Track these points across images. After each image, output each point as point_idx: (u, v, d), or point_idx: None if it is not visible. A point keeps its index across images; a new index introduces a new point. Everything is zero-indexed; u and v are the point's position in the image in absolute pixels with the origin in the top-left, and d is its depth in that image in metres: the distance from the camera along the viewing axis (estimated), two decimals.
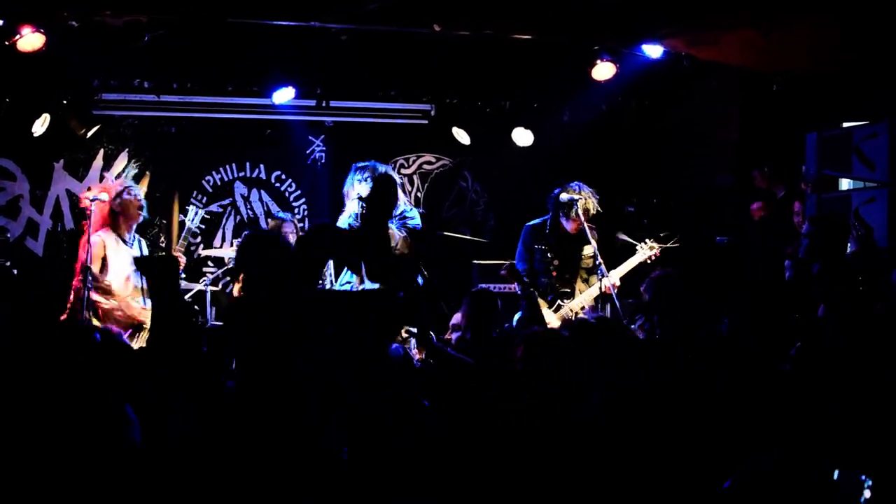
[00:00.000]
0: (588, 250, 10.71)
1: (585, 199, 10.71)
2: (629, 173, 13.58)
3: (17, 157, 13.07)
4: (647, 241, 10.85)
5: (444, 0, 10.90)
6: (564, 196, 10.70)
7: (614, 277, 10.55)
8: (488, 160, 14.11)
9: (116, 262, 10.79)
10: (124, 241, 10.89)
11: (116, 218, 10.91)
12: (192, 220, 11.30)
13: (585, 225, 10.55)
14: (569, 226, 10.74)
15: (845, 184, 11.05)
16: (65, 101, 12.59)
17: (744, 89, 12.52)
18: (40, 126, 12.25)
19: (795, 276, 9.30)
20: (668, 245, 10.91)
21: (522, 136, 13.47)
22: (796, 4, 10.25)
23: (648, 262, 10.79)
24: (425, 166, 14.51)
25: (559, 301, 10.66)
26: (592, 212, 10.77)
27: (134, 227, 11.02)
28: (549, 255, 10.72)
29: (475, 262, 13.04)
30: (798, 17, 10.36)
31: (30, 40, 10.66)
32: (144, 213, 11.10)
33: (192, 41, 11.72)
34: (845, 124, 10.99)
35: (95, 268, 10.70)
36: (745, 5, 10.50)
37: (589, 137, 13.51)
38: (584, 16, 11.26)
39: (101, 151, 13.17)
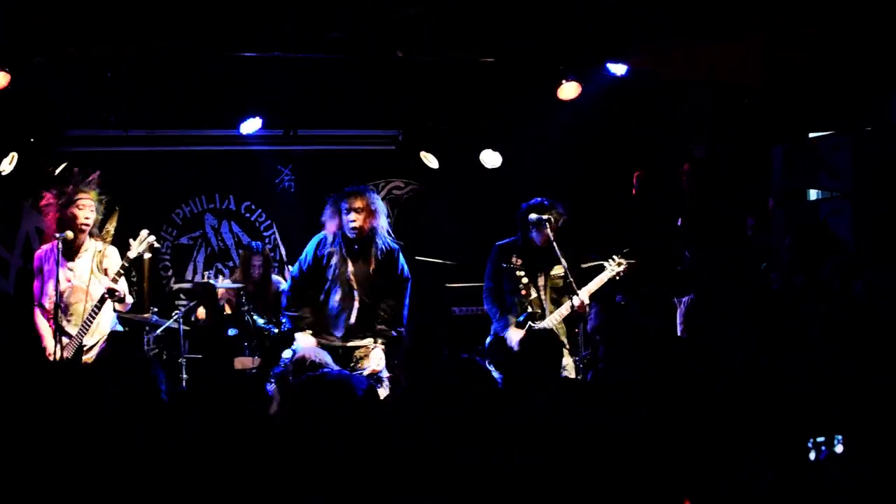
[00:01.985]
0: (558, 270, 10.66)
1: (554, 215, 10.69)
2: (600, 191, 13.58)
3: None
4: (614, 257, 10.82)
5: (406, 26, 10.91)
6: (533, 216, 10.68)
7: (584, 296, 10.51)
8: (457, 183, 14.09)
9: (51, 278, 10.16)
10: (69, 258, 10.13)
11: (59, 230, 10.16)
12: (138, 247, 10.14)
13: (555, 243, 10.53)
14: (538, 238, 10.69)
15: (813, 195, 11.11)
16: (32, 140, 12.56)
17: (714, 104, 12.53)
18: (8, 164, 12.20)
19: (782, 288, 9.36)
20: (634, 261, 10.89)
21: (491, 158, 13.47)
22: (762, 21, 10.31)
23: (617, 278, 10.78)
24: (395, 191, 14.53)
25: (529, 322, 10.61)
26: (558, 226, 10.74)
27: (81, 241, 10.23)
28: (518, 273, 10.67)
29: (448, 285, 13.06)
30: (765, 32, 10.43)
31: None
32: (87, 222, 10.19)
33: (158, 74, 11.72)
34: (811, 135, 11.06)
35: (38, 284, 10.23)
36: (709, 24, 10.55)
37: (558, 157, 13.52)
38: (547, 36, 11.30)
39: (73, 179, 13.16)
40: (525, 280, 10.61)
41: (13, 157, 12.21)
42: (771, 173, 10.95)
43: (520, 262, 10.63)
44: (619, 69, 11.87)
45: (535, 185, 11.75)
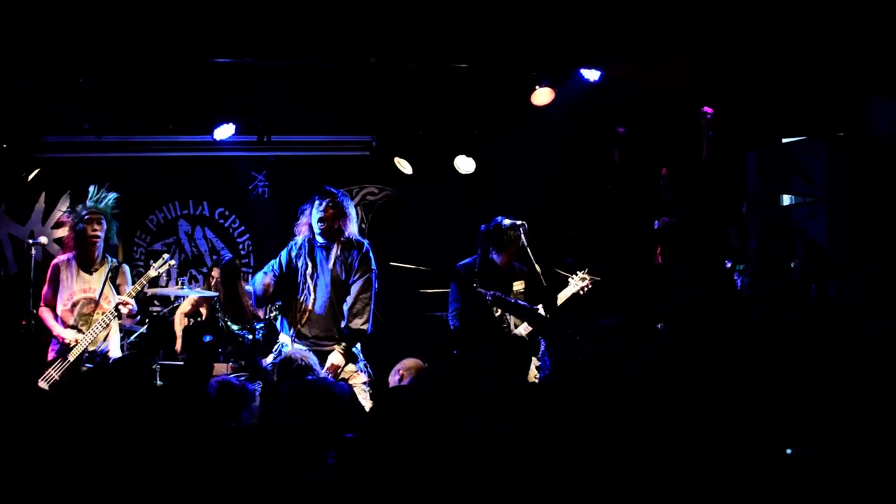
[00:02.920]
0: (518, 286, 10.68)
1: (515, 231, 10.71)
2: (573, 198, 13.58)
3: None
4: (578, 272, 10.86)
5: (380, 33, 10.92)
6: (507, 222, 10.68)
7: (542, 311, 10.52)
8: (431, 189, 14.09)
9: (67, 288, 10.61)
10: (85, 270, 10.67)
11: (76, 247, 10.70)
12: (159, 266, 10.96)
13: (528, 250, 10.54)
14: (499, 259, 10.70)
15: (786, 200, 11.14)
16: (4, 145, 12.53)
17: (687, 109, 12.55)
18: None
19: (750, 292, 9.39)
20: (597, 277, 10.92)
21: (465, 164, 13.47)
22: (733, 29, 10.35)
23: (581, 293, 10.81)
24: (368, 197, 14.52)
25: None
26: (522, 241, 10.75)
27: (95, 255, 10.69)
28: (481, 290, 10.65)
29: (422, 290, 13.05)
30: (736, 39, 10.47)
31: None
32: (101, 242, 10.72)
33: (132, 81, 11.70)
34: (784, 140, 11.09)
35: (49, 290, 10.64)
36: (681, 31, 10.58)
37: (532, 162, 13.51)
38: (521, 42, 11.32)
39: (43, 194, 13.12)
40: (488, 298, 10.62)
41: None
42: (745, 178, 10.98)
43: (481, 282, 10.62)
44: (592, 75, 11.90)
45: (509, 190, 11.75)
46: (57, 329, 10.45)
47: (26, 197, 12.90)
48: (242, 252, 14.04)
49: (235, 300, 12.25)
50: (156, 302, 13.54)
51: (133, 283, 10.74)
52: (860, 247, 9.84)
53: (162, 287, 13.49)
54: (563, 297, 10.70)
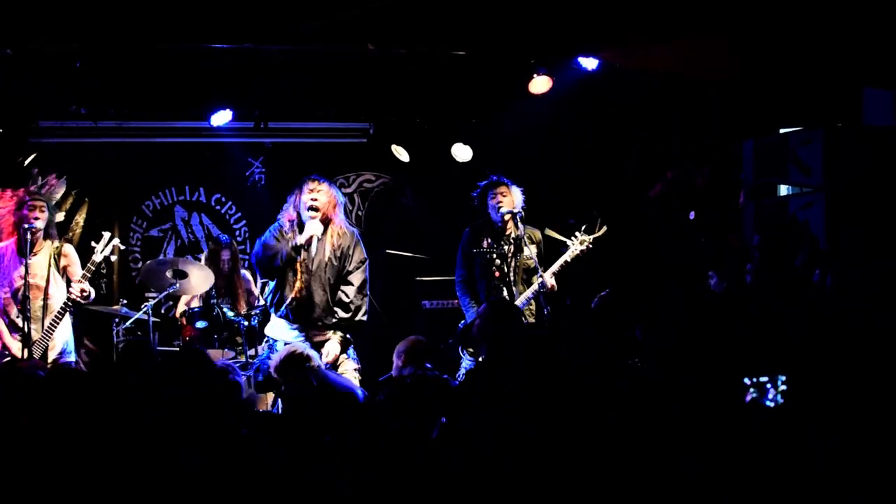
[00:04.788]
0: (529, 251, 10.66)
1: (506, 191, 10.74)
2: (569, 185, 13.55)
3: None
4: (576, 234, 10.77)
5: (378, 19, 10.88)
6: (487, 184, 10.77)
7: (548, 277, 10.51)
8: (428, 177, 14.07)
9: (6, 276, 10.26)
10: (24, 255, 10.06)
11: (15, 229, 10.34)
12: (102, 250, 10.42)
13: (514, 215, 10.53)
14: (496, 217, 10.69)
15: (783, 190, 11.12)
16: (0, 130, 12.50)
17: (683, 98, 12.52)
18: None
19: (753, 287, 9.38)
20: (598, 234, 10.83)
21: (462, 152, 13.45)
22: (730, 17, 10.33)
23: (581, 255, 10.72)
24: (365, 184, 14.51)
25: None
26: (515, 203, 10.75)
27: (34, 240, 10.19)
28: (488, 256, 10.65)
29: (418, 278, 13.05)
30: (733, 28, 10.44)
31: None
32: (41, 231, 10.28)
33: (128, 66, 11.66)
34: (782, 130, 11.06)
35: None
36: (678, 18, 10.56)
37: (528, 151, 13.48)
38: (518, 30, 11.29)
39: (39, 179, 13.08)
40: (497, 262, 10.60)
41: None
42: (741, 168, 10.96)
43: (494, 244, 10.64)
44: (590, 63, 11.86)
45: (507, 178, 11.71)
46: (6, 336, 10.15)
47: (22, 182, 12.83)
48: (239, 238, 14.03)
49: (232, 284, 12.25)
50: (152, 289, 13.53)
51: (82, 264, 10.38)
52: (858, 237, 9.84)
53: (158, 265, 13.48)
54: (563, 261, 10.63)
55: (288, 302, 9.88)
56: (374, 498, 5.49)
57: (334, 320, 9.82)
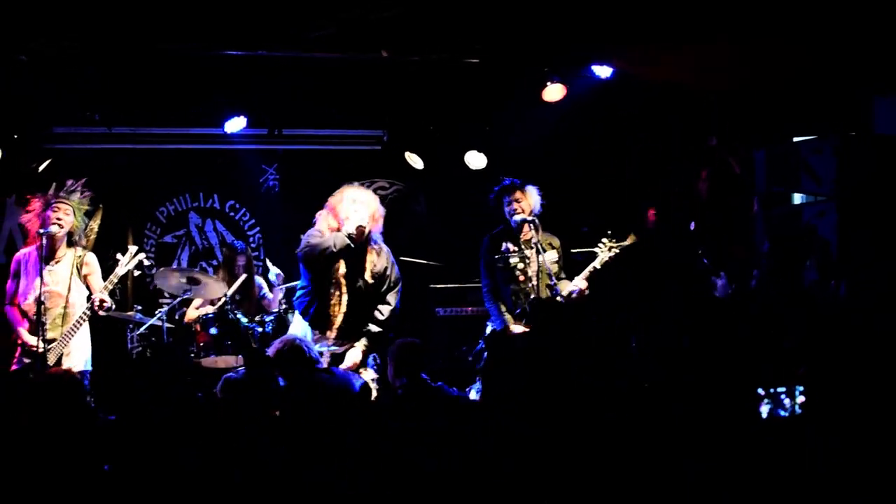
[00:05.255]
0: (552, 255, 10.65)
1: (520, 195, 10.73)
2: (583, 193, 13.52)
3: None
4: (604, 241, 10.75)
5: (392, 26, 10.90)
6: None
7: (580, 282, 10.51)
8: (442, 184, 14.07)
9: (28, 282, 10.26)
10: (48, 262, 10.15)
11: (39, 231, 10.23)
12: (127, 263, 10.45)
13: (532, 225, 10.51)
14: (513, 220, 10.66)
15: (797, 199, 11.12)
16: (15, 136, 12.53)
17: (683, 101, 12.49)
18: None
19: (760, 293, 9.39)
20: (627, 243, 10.81)
21: (475, 159, 13.45)
22: (741, 23, 10.33)
23: (609, 262, 10.69)
24: (379, 192, 14.46)
25: (525, 318, 10.50)
26: (532, 205, 10.74)
27: (57, 246, 10.29)
28: (511, 261, 10.63)
29: (432, 286, 13.05)
30: (743, 34, 10.44)
31: None
32: (65, 234, 10.30)
33: (143, 72, 11.69)
34: (795, 139, 11.07)
35: (13, 285, 10.34)
36: (690, 26, 10.56)
37: (542, 159, 13.45)
38: (533, 38, 11.30)
39: (54, 186, 13.11)
40: (521, 266, 10.58)
41: None
42: (753, 176, 10.97)
43: (514, 248, 10.63)
44: (604, 72, 11.86)
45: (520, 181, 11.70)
46: (24, 334, 10.09)
47: (36, 188, 12.85)
48: (253, 245, 14.04)
49: (246, 290, 12.27)
50: (166, 294, 13.55)
51: (103, 273, 10.37)
52: (870, 245, 9.84)
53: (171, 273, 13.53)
54: (592, 267, 10.62)
55: (320, 312, 9.79)
56: (374, 498, 5.51)
57: (363, 330, 9.73)
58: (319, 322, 9.75)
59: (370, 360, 9.85)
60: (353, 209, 9.71)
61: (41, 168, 12.76)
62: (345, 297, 9.68)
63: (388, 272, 9.83)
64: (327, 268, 9.67)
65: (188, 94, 12.41)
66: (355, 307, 9.72)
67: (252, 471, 5.70)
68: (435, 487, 5.55)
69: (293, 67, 11.73)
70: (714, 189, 11.66)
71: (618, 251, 10.70)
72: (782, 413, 6.02)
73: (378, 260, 9.81)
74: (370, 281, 9.75)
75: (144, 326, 11.79)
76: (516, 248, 10.66)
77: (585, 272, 10.60)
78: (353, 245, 9.54)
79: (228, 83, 12.13)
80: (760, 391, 5.92)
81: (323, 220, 9.89)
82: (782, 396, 6.01)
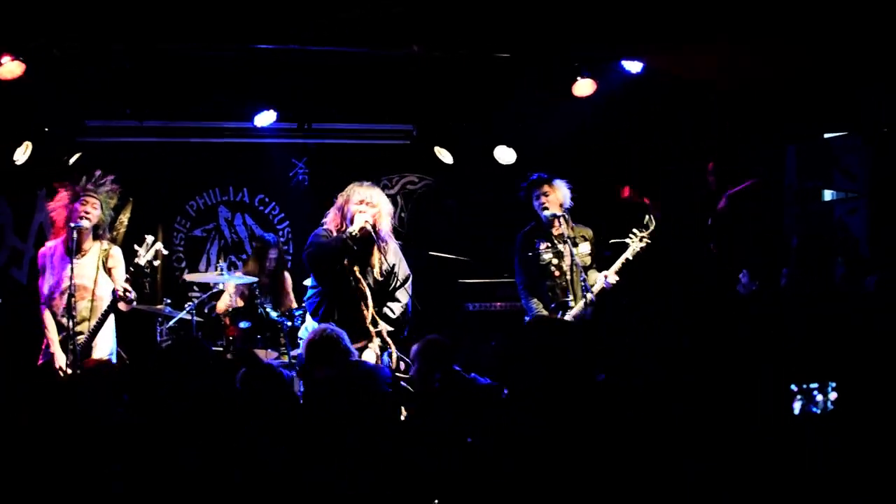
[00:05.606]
0: (585, 247, 10.63)
1: (549, 189, 10.70)
2: (613, 191, 13.48)
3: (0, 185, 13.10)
4: (635, 231, 10.66)
5: (422, 20, 10.88)
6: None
7: (611, 276, 10.48)
8: (471, 179, 14.06)
9: (55, 275, 10.26)
10: (73, 255, 10.08)
11: (65, 225, 10.32)
12: (145, 254, 10.26)
13: (561, 219, 10.48)
14: (543, 215, 10.63)
15: (827, 195, 11.08)
16: (46, 129, 12.56)
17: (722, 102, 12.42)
18: (22, 154, 12.21)
19: (789, 290, 9.37)
20: (652, 230, 10.74)
21: (505, 154, 13.42)
22: (771, 21, 10.28)
23: (641, 252, 10.63)
24: (408, 186, 14.52)
25: (561, 312, 10.47)
26: (562, 199, 10.71)
27: (83, 239, 10.28)
28: (544, 256, 10.62)
29: (461, 280, 13.04)
30: (772, 31, 10.40)
31: (10, 68, 10.62)
32: (91, 227, 10.30)
33: (174, 67, 11.71)
34: (826, 136, 11.02)
35: (43, 282, 10.32)
36: (720, 22, 10.52)
37: (571, 154, 13.40)
38: (563, 33, 11.27)
39: (83, 178, 13.14)
40: (555, 261, 10.57)
41: (27, 146, 12.22)
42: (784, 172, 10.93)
43: (547, 244, 10.61)
44: (634, 66, 11.80)
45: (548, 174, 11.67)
46: (55, 344, 10.07)
47: (66, 181, 12.88)
48: (282, 239, 14.05)
49: (276, 283, 12.30)
50: (195, 288, 13.59)
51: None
52: None
53: (201, 272, 13.54)
54: (624, 258, 10.57)
55: (330, 311, 9.81)
56: (374, 498, 5.51)
57: (376, 330, 9.72)
58: (329, 320, 9.80)
59: (385, 357, 9.84)
60: (359, 209, 9.68)
61: (72, 161, 12.78)
62: (358, 295, 9.69)
63: (395, 269, 9.83)
64: (331, 268, 9.71)
65: (219, 87, 12.41)
66: (362, 303, 9.72)
67: (251, 471, 5.71)
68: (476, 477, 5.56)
69: (324, 62, 11.72)
70: (723, 180, 11.54)
71: (649, 241, 10.63)
72: (815, 410, 5.99)
73: (387, 256, 9.82)
74: (379, 279, 9.77)
75: (174, 320, 11.80)
76: (549, 244, 10.64)
77: (617, 264, 10.55)
78: (355, 248, 9.56)
79: (259, 77, 12.13)
80: (793, 387, 5.89)
81: (331, 219, 9.90)
82: (815, 393, 5.98)
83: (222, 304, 12.35)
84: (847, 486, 5.55)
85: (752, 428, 6.23)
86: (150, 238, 10.29)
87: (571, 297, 10.46)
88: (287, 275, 12.53)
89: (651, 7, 10.55)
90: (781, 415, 6.12)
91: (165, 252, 10.58)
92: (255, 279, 11.90)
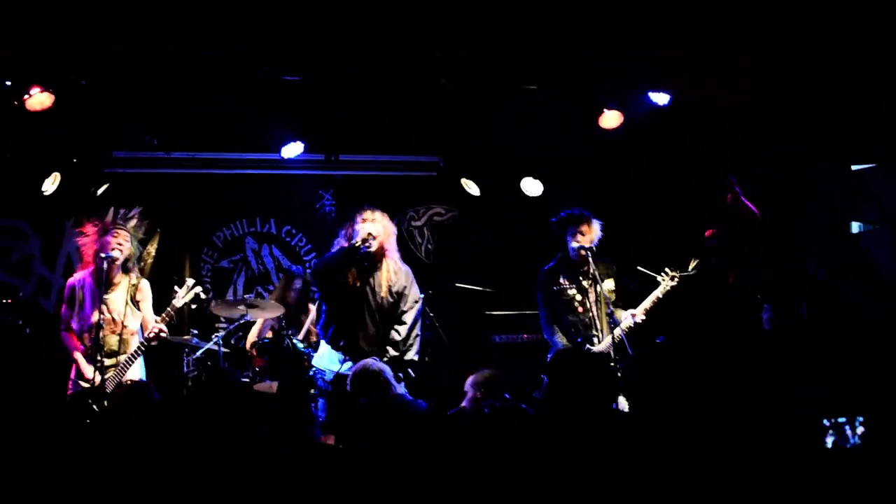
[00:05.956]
0: (609, 284, 10.58)
1: (586, 228, 10.65)
2: (639, 223, 13.41)
3: (28, 216, 13.18)
4: (667, 270, 10.63)
5: (450, 54, 10.89)
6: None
7: (639, 313, 10.43)
8: (498, 211, 14.05)
9: (84, 309, 10.44)
10: (102, 288, 10.38)
11: (94, 259, 10.54)
12: (184, 296, 10.64)
13: (590, 254, 10.42)
14: (573, 251, 10.57)
15: (855, 227, 11.03)
16: (74, 160, 12.61)
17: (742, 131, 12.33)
18: (50, 185, 12.28)
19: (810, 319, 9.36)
20: (689, 272, 10.69)
21: (532, 186, 13.41)
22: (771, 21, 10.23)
23: (672, 291, 10.57)
24: (435, 218, 14.53)
25: (587, 346, 10.43)
26: (594, 238, 10.66)
27: (113, 273, 10.48)
28: (569, 292, 10.58)
29: (487, 312, 13.02)
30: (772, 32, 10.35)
31: (38, 99, 10.67)
32: (121, 261, 10.49)
33: (201, 97, 11.74)
34: (854, 168, 10.98)
35: (67, 311, 10.50)
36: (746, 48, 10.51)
37: (599, 186, 13.37)
38: (589, 65, 11.27)
39: (112, 209, 13.19)
40: (579, 297, 10.53)
41: (56, 177, 12.28)
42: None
43: (571, 280, 10.57)
44: (661, 98, 11.76)
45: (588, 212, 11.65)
46: (81, 361, 10.26)
47: (95, 212, 12.91)
48: (309, 271, 14.05)
49: (299, 313, 12.31)
50: (222, 319, 13.60)
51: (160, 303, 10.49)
52: None
53: (227, 303, 13.57)
54: (654, 296, 10.51)
55: (339, 332, 9.88)
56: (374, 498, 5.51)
57: (385, 358, 9.74)
58: (339, 341, 9.87)
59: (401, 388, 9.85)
60: (362, 227, 10.00)
61: (99, 192, 12.84)
62: (366, 315, 9.77)
63: (406, 291, 9.94)
64: (334, 280, 9.85)
65: (246, 119, 12.44)
66: (371, 324, 9.91)
67: (252, 471, 5.72)
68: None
69: (351, 93, 11.74)
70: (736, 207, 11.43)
71: (679, 280, 10.58)
72: (848, 445, 5.99)
73: (396, 277, 9.98)
74: (390, 300, 9.86)
75: (201, 351, 11.81)
76: (573, 280, 10.60)
77: (647, 302, 10.50)
78: (359, 252, 9.64)
79: (286, 108, 12.15)
80: (826, 422, 5.87)
81: (336, 245, 10.23)
82: (846, 428, 5.97)
83: (252, 336, 12.36)
84: (847, 486, 5.54)
85: (752, 428, 6.22)
86: (190, 281, 10.46)
87: (596, 333, 10.43)
88: (312, 306, 12.53)
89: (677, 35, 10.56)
90: (781, 415, 6.13)
91: (204, 296, 10.69)
92: (278, 314, 11.91)
